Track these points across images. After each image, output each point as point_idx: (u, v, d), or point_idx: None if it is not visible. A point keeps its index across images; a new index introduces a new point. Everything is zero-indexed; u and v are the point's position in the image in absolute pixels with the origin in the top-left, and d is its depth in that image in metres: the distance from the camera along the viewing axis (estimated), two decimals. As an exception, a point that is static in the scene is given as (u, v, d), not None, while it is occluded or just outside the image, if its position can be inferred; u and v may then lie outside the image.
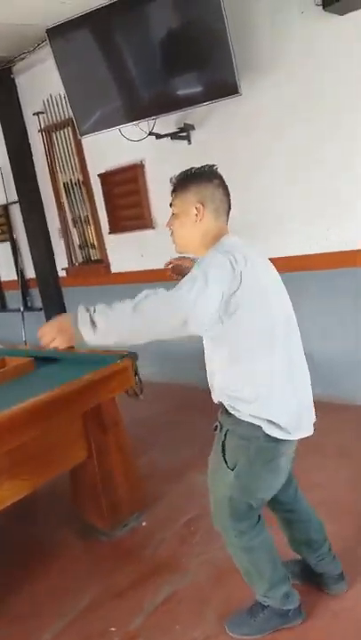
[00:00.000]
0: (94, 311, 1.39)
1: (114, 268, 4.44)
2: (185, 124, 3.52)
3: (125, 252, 4.29)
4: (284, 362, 1.55)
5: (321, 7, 2.68)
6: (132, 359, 2.45)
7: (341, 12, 2.73)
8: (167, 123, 3.53)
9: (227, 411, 1.60)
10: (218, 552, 2.20)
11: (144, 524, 2.50)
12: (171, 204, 1.65)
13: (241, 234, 3.77)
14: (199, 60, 3.10)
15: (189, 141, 3.60)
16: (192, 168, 1.62)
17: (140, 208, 4.03)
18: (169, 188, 4.05)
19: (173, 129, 3.56)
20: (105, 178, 4.19)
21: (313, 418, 1.65)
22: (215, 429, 1.66)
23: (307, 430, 1.62)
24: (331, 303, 3.21)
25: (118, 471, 2.43)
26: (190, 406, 3.72)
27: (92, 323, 1.37)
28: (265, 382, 1.53)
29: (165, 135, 3.55)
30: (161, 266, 3.95)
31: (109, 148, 3.91)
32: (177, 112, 3.39)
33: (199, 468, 2.84)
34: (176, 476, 2.84)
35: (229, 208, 1.64)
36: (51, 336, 1.42)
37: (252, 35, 3.09)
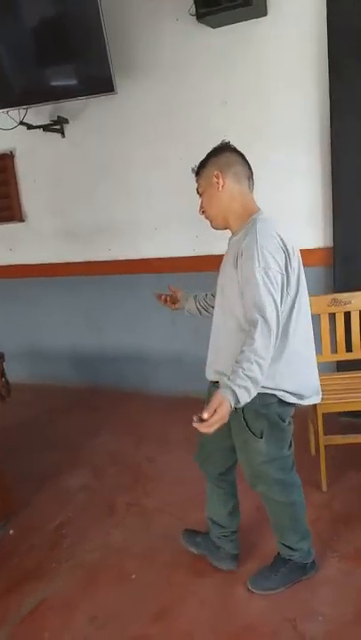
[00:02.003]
0: (238, 386, 1.43)
1: (-21, 262, 4.17)
2: (59, 116, 3.43)
3: (-8, 245, 4.05)
4: (301, 339, 1.66)
5: (195, 18, 2.77)
6: (-1, 360, 2.32)
7: (214, 26, 2.86)
8: (40, 114, 3.41)
9: None
10: (88, 555, 2.20)
11: (11, 532, 2.40)
12: (197, 190, 1.73)
13: (110, 229, 3.76)
14: (75, 54, 3.04)
15: (63, 134, 3.51)
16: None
17: (8, 199, 3.83)
18: (40, 181, 3.93)
19: (47, 121, 3.44)
20: (-29, 165, 3.91)
21: (319, 388, 1.78)
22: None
23: (316, 398, 1.76)
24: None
25: (-18, 479, 2.29)
26: (61, 408, 3.66)
27: (248, 393, 1.44)
28: (284, 358, 1.62)
29: (38, 126, 3.42)
30: (32, 260, 3.86)
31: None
32: (50, 103, 3.28)
33: (69, 470, 2.83)
34: (45, 480, 2.76)
35: (251, 174, 1.70)
36: (218, 424, 1.42)
37: (130, 36, 3.10)
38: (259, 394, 1.53)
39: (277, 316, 1.50)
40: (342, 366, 2.77)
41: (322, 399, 2.34)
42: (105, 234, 3.56)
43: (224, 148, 1.70)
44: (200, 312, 1.99)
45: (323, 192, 2.90)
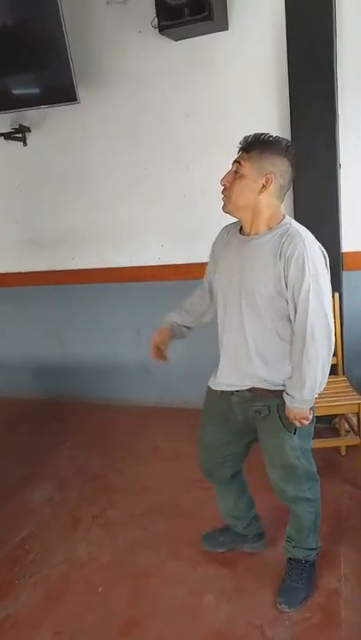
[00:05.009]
0: (302, 387, 1.57)
1: None
2: (21, 124, 3.39)
3: None
4: None
5: (157, 30, 2.80)
6: None
7: (176, 38, 2.90)
8: (2, 122, 3.36)
9: (266, 392, 1.67)
10: (52, 569, 2.15)
11: (-27, 548, 2.32)
12: (237, 161, 1.57)
13: (74, 238, 3.73)
14: (36, 63, 3.01)
15: (25, 143, 3.47)
16: (269, 134, 1.56)
17: (-31, 208, 3.75)
18: (1, 189, 3.86)
19: (8, 129, 3.40)
20: None
21: None
22: (258, 414, 1.69)
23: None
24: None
25: None
26: (23, 421, 3.57)
27: (311, 395, 1.60)
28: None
29: (-1, 134, 3.38)
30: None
31: None
32: (12, 112, 3.25)
33: (33, 484, 2.77)
34: (8, 494, 2.68)
35: (289, 190, 1.63)
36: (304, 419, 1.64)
37: (93, 46, 3.10)
38: (283, 391, 1.65)
39: (325, 324, 1.54)
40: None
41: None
42: (68, 243, 3.53)
43: (288, 154, 1.56)
44: (184, 335, 1.96)
45: (283, 206, 2.93)
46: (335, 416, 2.81)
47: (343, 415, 2.69)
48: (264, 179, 1.54)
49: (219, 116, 2.96)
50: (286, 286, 1.52)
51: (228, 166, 3.03)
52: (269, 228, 1.59)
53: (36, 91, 3.10)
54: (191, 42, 2.89)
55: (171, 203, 3.17)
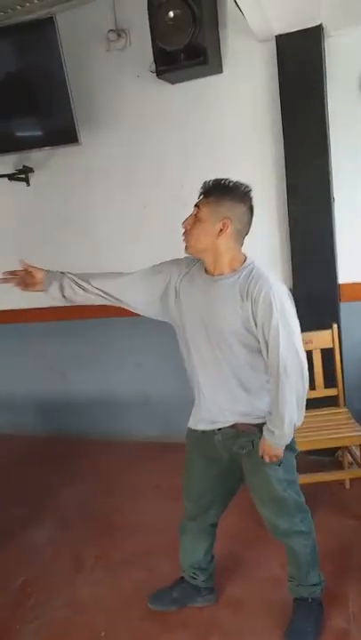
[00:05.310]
0: (280, 423, 1.59)
1: None
2: (24, 165, 3.48)
3: None
4: None
5: (155, 74, 2.91)
6: None
7: (173, 82, 3.00)
8: (5, 163, 3.46)
9: (249, 426, 1.68)
10: (55, 613, 2.10)
11: (-27, 591, 2.27)
12: (197, 205, 1.61)
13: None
14: (39, 106, 3.12)
15: (28, 183, 3.56)
16: (228, 180, 1.60)
17: (-27, 247, 3.81)
18: (5, 228, 3.94)
19: (12, 170, 3.49)
20: None
21: None
22: (242, 450, 1.70)
23: None
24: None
25: None
26: (24, 459, 3.54)
27: (290, 430, 1.61)
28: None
29: (3, 175, 3.46)
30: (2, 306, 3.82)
31: None
32: (15, 153, 3.35)
33: (34, 524, 2.73)
34: (8, 535, 2.63)
35: (247, 233, 1.66)
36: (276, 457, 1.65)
37: (94, 90, 3.21)
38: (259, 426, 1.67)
39: (296, 359, 1.57)
40: (308, 404, 2.78)
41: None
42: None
43: (245, 199, 1.61)
44: (67, 297, 1.82)
45: (280, 238, 3.01)
46: (338, 449, 2.78)
47: (346, 447, 2.67)
48: (221, 223, 1.58)
49: (215, 154, 3.04)
50: (255, 325, 1.57)
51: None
52: (233, 270, 1.63)
53: (39, 133, 3.20)
54: (187, 85, 2.99)
55: (170, 240, 3.21)
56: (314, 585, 1.86)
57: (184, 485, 1.90)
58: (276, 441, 1.62)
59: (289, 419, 1.59)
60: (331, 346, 2.65)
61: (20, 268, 1.82)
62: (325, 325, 2.65)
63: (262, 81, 2.87)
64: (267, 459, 1.64)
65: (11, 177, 3.48)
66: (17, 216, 3.65)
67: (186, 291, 1.71)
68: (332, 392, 2.68)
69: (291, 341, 1.55)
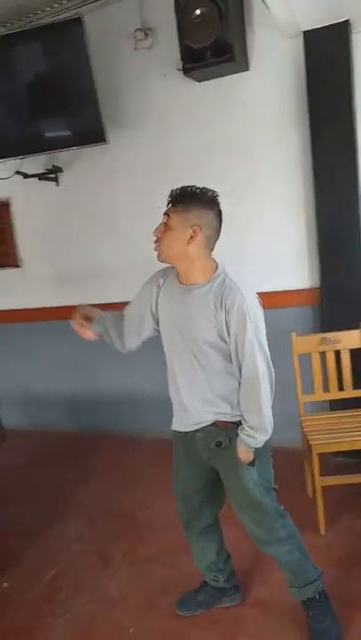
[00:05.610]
0: (263, 427, 1.64)
1: (-26, 308, 4.20)
2: (53, 165, 3.53)
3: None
4: None
5: (182, 72, 2.90)
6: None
7: (199, 80, 2.99)
8: (35, 163, 3.51)
9: (228, 424, 1.70)
10: (83, 608, 2.14)
11: (5, 584, 2.33)
12: (166, 214, 1.64)
13: (103, 274, 3.78)
14: (68, 107, 3.15)
15: (57, 183, 3.61)
16: (195, 187, 1.63)
17: (4, 246, 3.89)
18: (35, 227, 4.00)
19: (41, 170, 3.54)
20: (-34, 213, 4.00)
21: None
22: (219, 446, 1.72)
23: None
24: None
25: (-25, 530, 2.25)
26: (53, 455, 3.60)
27: (264, 435, 1.65)
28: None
29: (33, 175, 3.52)
30: (27, 305, 3.89)
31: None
32: (44, 154, 3.39)
33: (63, 518, 2.79)
34: (39, 530, 2.69)
35: (218, 238, 1.68)
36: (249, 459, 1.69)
37: (121, 90, 3.23)
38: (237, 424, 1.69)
39: (269, 366, 1.63)
40: (335, 405, 2.78)
41: (316, 439, 2.35)
42: (97, 278, 3.61)
43: (212, 205, 1.63)
44: (99, 334, 1.83)
45: (308, 236, 2.98)
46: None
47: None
48: (191, 230, 1.60)
49: (241, 151, 3.02)
50: (228, 334, 1.61)
51: (252, 201, 3.11)
52: (206, 279, 1.65)
53: (68, 133, 3.24)
54: (214, 83, 2.98)
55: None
56: (315, 581, 1.85)
57: (173, 487, 1.92)
58: (259, 445, 1.66)
59: (268, 420, 1.64)
60: (360, 346, 2.61)
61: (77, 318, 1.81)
62: (354, 325, 2.61)
63: (289, 77, 2.83)
64: (242, 457, 1.68)
65: (41, 177, 3.53)
66: (47, 215, 3.70)
67: (163, 301, 1.76)
68: (356, 394, 2.64)
69: (263, 350, 1.61)
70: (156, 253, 1.68)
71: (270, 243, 3.05)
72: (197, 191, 1.62)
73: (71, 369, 3.85)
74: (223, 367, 1.67)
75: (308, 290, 3.02)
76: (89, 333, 1.76)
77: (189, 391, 1.73)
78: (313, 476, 2.39)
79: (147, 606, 2.10)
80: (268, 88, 2.89)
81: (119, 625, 2.02)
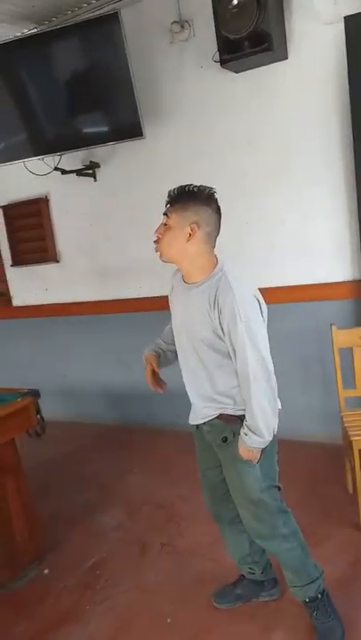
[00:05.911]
0: (256, 427, 1.62)
1: (16, 302, 4.31)
2: (91, 161, 3.57)
3: (29, 285, 4.19)
4: None
5: (219, 64, 2.88)
6: (34, 397, 2.37)
7: (236, 70, 2.96)
8: (73, 159, 3.56)
9: (232, 417, 1.71)
10: (122, 596, 2.17)
11: (46, 571, 2.39)
12: (165, 214, 1.67)
13: (139, 269, 3.79)
14: (105, 103, 3.18)
15: (95, 178, 3.65)
16: (192, 185, 1.66)
17: (43, 241, 3.97)
18: (73, 223, 4.05)
19: (79, 165, 3.59)
20: (7, 210, 4.10)
21: None
22: (225, 441, 1.73)
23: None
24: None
25: (17, 517, 2.31)
26: (93, 446, 3.67)
27: (269, 433, 1.63)
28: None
29: (71, 171, 3.57)
30: (66, 299, 3.97)
31: (13, 180, 3.85)
32: (82, 150, 3.43)
33: (103, 508, 2.83)
34: (78, 519, 2.76)
35: (218, 234, 1.70)
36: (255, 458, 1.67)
37: (158, 83, 3.24)
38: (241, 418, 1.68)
39: (263, 365, 1.60)
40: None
41: (357, 435, 2.29)
42: (134, 273, 3.64)
43: (210, 202, 1.64)
44: (170, 361, 1.99)
45: (350, 227, 2.90)
46: None
47: None
48: (190, 228, 1.61)
49: (280, 142, 2.97)
50: (223, 333, 1.61)
51: (292, 191, 3.05)
52: (206, 276, 1.66)
53: (105, 129, 3.26)
54: (252, 73, 2.94)
55: (234, 228, 3.20)
56: (316, 579, 1.82)
57: (200, 478, 1.94)
58: (252, 444, 1.63)
59: (264, 422, 1.61)
60: None
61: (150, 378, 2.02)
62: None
63: (329, 64, 2.76)
64: (245, 456, 1.67)
65: (79, 173, 3.58)
66: (85, 210, 3.75)
67: (173, 302, 1.81)
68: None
69: (257, 349, 1.59)
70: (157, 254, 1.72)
71: (311, 232, 2.98)
72: (195, 189, 1.65)
73: (108, 361, 3.90)
74: (224, 364, 1.67)
75: (351, 282, 2.95)
76: (161, 390, 1.98)
77: (192, 387, 1.79)
78: (354, 471, 2.34)
79: (184, 597, 2.11)
80: (308, 76, 2.83)
81: (157, 615, 2.04)
